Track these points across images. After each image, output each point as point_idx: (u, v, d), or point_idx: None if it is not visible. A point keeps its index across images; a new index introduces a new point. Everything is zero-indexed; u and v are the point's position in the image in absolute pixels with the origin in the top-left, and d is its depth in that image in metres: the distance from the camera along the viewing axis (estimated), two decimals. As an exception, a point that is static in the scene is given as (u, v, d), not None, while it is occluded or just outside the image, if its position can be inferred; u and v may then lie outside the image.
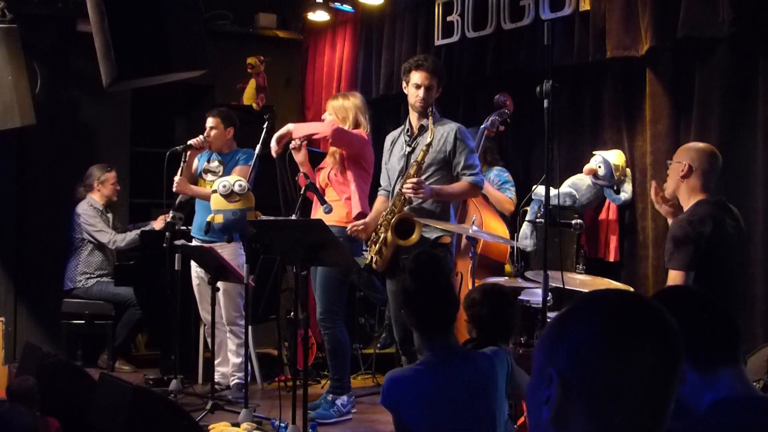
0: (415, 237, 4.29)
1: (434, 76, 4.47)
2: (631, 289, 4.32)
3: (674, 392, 1.21)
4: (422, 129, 4.49)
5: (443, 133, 4.44)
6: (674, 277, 3.46)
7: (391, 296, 4.65)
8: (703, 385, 1.67)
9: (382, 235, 4.45)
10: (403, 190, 4.29)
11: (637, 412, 1.17)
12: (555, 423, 1.20)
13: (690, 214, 3.50)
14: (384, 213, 4.51)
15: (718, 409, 1.62)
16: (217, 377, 5.43)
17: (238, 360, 5.37)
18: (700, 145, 3.75)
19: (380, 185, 4.83)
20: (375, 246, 4.53)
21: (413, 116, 4.57)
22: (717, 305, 1.78)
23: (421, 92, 4.46)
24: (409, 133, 4.57)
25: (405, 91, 4.59)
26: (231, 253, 5.30)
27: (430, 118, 4.39)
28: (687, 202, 3.58)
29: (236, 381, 5.38)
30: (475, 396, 2.78)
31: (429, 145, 4.35)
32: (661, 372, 1.19)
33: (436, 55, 6.23)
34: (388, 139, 4.75)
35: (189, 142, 5.47)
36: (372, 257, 4.56)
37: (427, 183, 4.34)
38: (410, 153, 4.51)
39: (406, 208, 4.38)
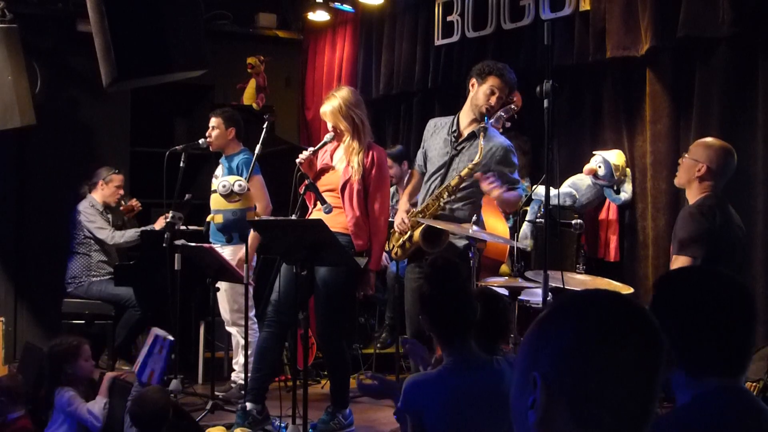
0: (440, 247, 4.30)
1: (508, 89, 4.40)
2: (631, 290, 4.32)
3: (658, 390, 1.21)
4: (472, 136, 4.38)
5: (492, 148, 4.34)
6: (683, 262, 3.51)
7: (407, 283, 4.53)
8: (690, 385, 1.69)
9: (409, 232, 4.44)
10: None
11: (622, 411, 1.18)
12: (541, 426, 1.19)
13: (700, 206, 3.61)
14: (414, 210, 4.48)
15: (700, 399, 1.65)
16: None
17: (242, 360, 5.37)
18: (719, 144, 3.77)
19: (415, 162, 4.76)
20: (398, 238, 4.51)
21: (465, 118, 4.45)
22: (736, 304, 1.72)
23: (493, 99, 4.37)
24: (455, 134, 4.46)
25: (470, 89, 4.44)
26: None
27: (481, 137, 4.28)
28: (694, 197, 3.69)
29: (240, 383, 5.38)
30: (496, 402, 2.75)
31: (476, 164, 4.26)
32: (645, 371, 1.19)
33: (435, 55, 6.26)
34: (431, 124, 4.62)
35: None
36: (392, 246, 4.56)
37: (463, 192, 4.33)
38: (455, 156, 4.42)
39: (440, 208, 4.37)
